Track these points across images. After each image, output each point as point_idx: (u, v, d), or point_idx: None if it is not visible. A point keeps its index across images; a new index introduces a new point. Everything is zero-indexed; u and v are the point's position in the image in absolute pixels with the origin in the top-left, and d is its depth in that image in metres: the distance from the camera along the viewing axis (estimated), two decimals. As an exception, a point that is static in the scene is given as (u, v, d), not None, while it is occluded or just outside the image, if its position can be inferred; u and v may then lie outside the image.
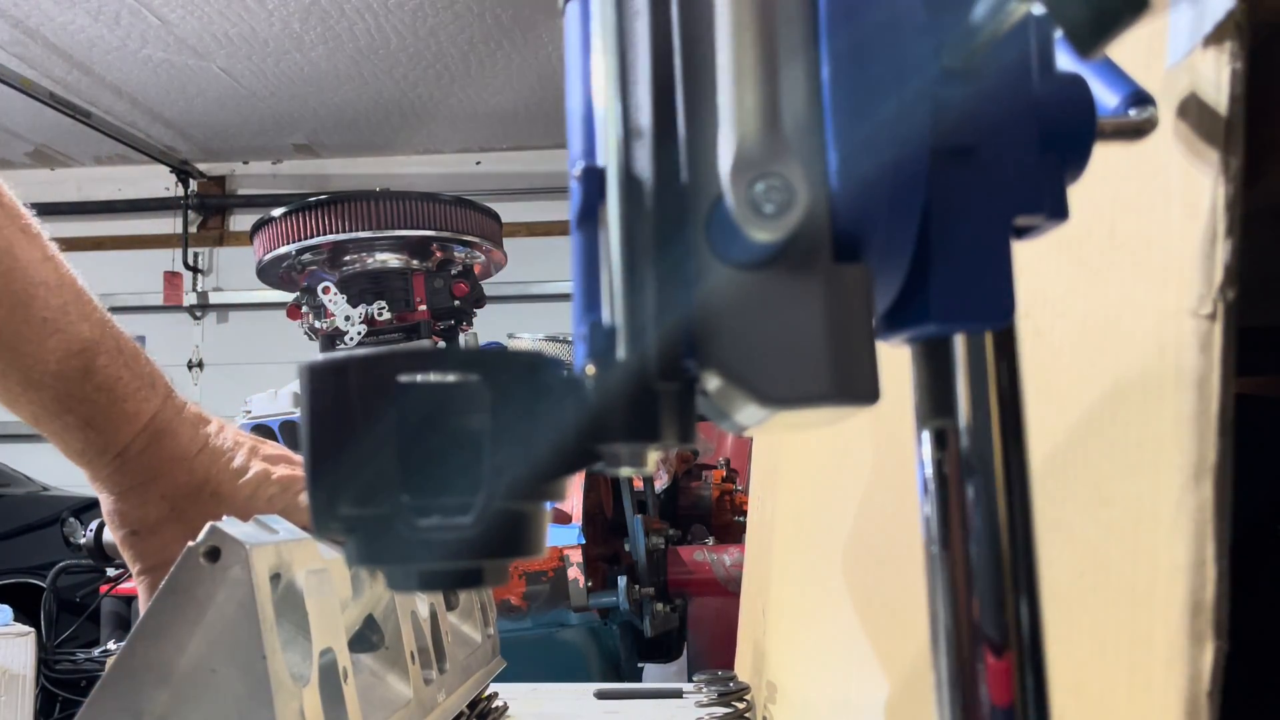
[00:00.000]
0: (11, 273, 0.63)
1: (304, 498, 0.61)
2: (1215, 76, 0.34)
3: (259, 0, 3.08)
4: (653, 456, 0.28)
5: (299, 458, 0.67)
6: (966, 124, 0.27)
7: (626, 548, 1.76)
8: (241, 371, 3.96)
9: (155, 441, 0.69)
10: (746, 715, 0.98)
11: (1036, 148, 0.27)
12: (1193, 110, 0.35)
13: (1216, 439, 0.33)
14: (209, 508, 0.68)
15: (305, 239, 1.97)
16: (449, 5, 3.12)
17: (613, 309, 0.27)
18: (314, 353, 1.99)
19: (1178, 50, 0.36)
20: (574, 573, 1.54)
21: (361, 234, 1.97)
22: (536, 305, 3.85)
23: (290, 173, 4.29)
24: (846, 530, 0.76)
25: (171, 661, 0.45)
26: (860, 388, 0.26)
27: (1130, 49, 0.30)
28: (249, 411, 1.96)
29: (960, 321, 0.28)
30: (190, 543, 0.46)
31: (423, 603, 0.76)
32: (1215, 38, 0.34)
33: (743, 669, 1.16)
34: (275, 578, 0.48)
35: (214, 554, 0.45)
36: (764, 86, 0.25)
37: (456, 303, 2.04)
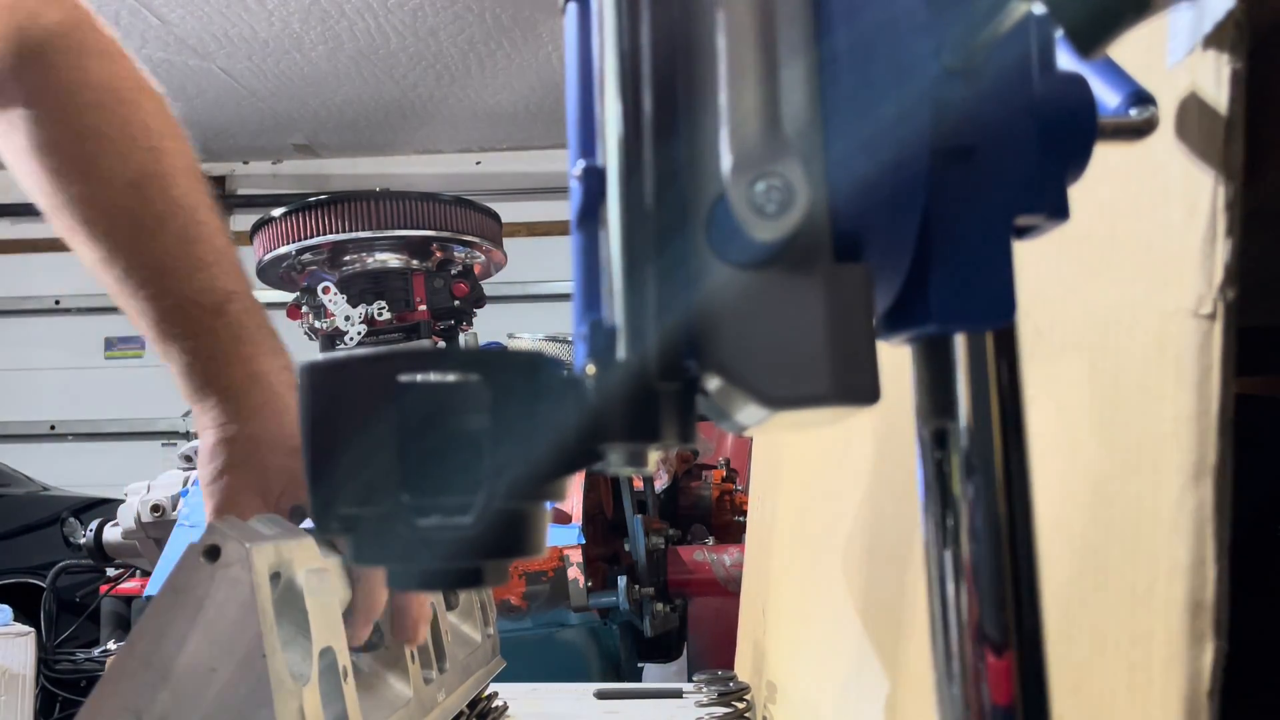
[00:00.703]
0: (192, 225, 0.74)
1: None
2: (1215, 76, 0.34)
3: (259, 0, 3.08)
4: (653, 456, 0.28)
5: None
6: (967, 124, 0.27)
7: (626, 548, 1.76)
8: (241, 371, 3.95)
9: (257, 387, 0.73)
10: (746, 715, 0.98)
11: (1037, 148, 0.27)
12: (1193, 110, 0.35)
13: (1216, 439, 0.33)
14: (290, 462, 0.71)
15: (305, 239, 1.97)
16: (449, 5, 3.11)
17: (613, 309, 0.27)
18: (314, 353, 1.99)
19: (1178, 50, 0.36)
20: (574, 573, 1.54)
21: (361, 234, 1.97)
22: (536, 305, 3.85)
23: (290, 173, 4.29)
24: (846, 530, 0.76)
25: (171, 660, 0.45)
26: (861, 388, 0.26)
27: (1130, 49, 0.30)
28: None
29: (961, 321, 0.28)
30: (191, 542, 0.46)
31: None
32: (1215, 38, 0.34)
33: (743, 669, 1.16)
34: (275, 576, 0.48)
35: (214, 553, 0.46)
36: (764, 86, 0.25)
37: (456, 303, 2.04)
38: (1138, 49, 0.37)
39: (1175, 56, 0.36)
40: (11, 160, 0.79)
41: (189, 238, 0.74)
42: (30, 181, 0.79)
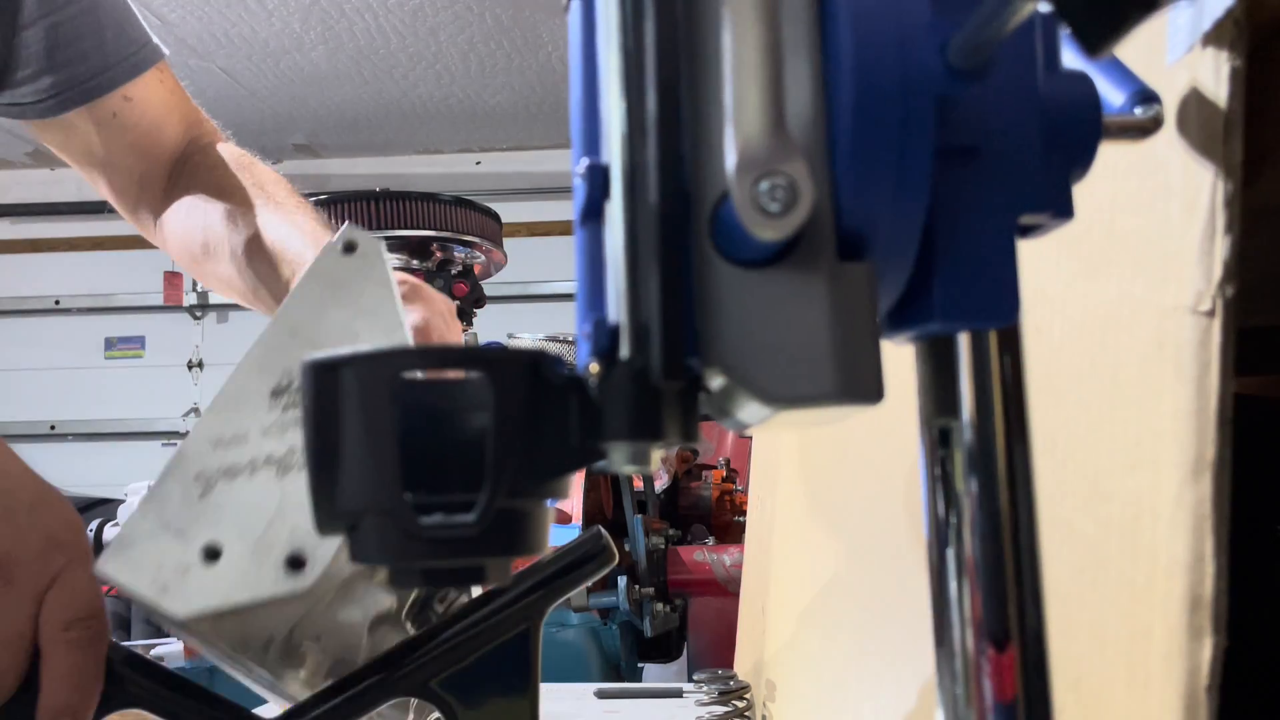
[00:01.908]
0: (285, 251, 0.82)
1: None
2: (1215, 74, 0.34)
3: (259, 0, 3.08)
4: (656, 455, 0.28)
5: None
6: (972, 123, 0.27)
7: (626, 548, 1.76)
8: (241, 371, 3.95)
9: None
10: (746, 714, 0.98)
11: (1042, 147, 0.27)
12: (1192, 108, 0.35)
13: (1215, 435, 0.34)
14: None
15: (305, 239, 1.96)
16: (449, 5, 3.11)
17: (616, 307, 0.27)
18: (314, 352, 1.98)
19: (1177, 48, 0.36)
20: (574, 572, 1.54)
21: (361, 234, 1.96)
22: (536, 305, 3.84)
23: (290, 173, 4.26)
24: (846, 529, 0.76)
25: (315, 329, 0.52)
26: (864, 387, 0.26)
27: (1130, 47, 0.30)
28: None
29: (965, 320, 0.28)
30: (328, 240, 0.55)
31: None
32: (1215, 35, 0.34)
33: (743, 668, 1.16)
34: None
35: (351, 246, 0.54)
36: (769, 85, 0.25)
37: (456, 303, 2.04)
38: (1138, 47, 0.37)
39: (1175, 54, 0.36)
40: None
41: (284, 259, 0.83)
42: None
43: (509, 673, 0.50)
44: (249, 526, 0.49)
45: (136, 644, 1.66)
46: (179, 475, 0.50)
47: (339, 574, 0.49)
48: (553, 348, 1.92)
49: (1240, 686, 0.34)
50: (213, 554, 0.49)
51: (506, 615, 0.51)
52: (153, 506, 0.50)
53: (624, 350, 0.26)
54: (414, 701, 0.56)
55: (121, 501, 1.78)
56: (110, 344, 4.09)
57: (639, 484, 1.80)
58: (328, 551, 0.49)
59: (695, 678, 1.08)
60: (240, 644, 0.49)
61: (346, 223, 0.56)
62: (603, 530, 0.53)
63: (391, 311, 0.53)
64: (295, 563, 0.49)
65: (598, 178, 0.28)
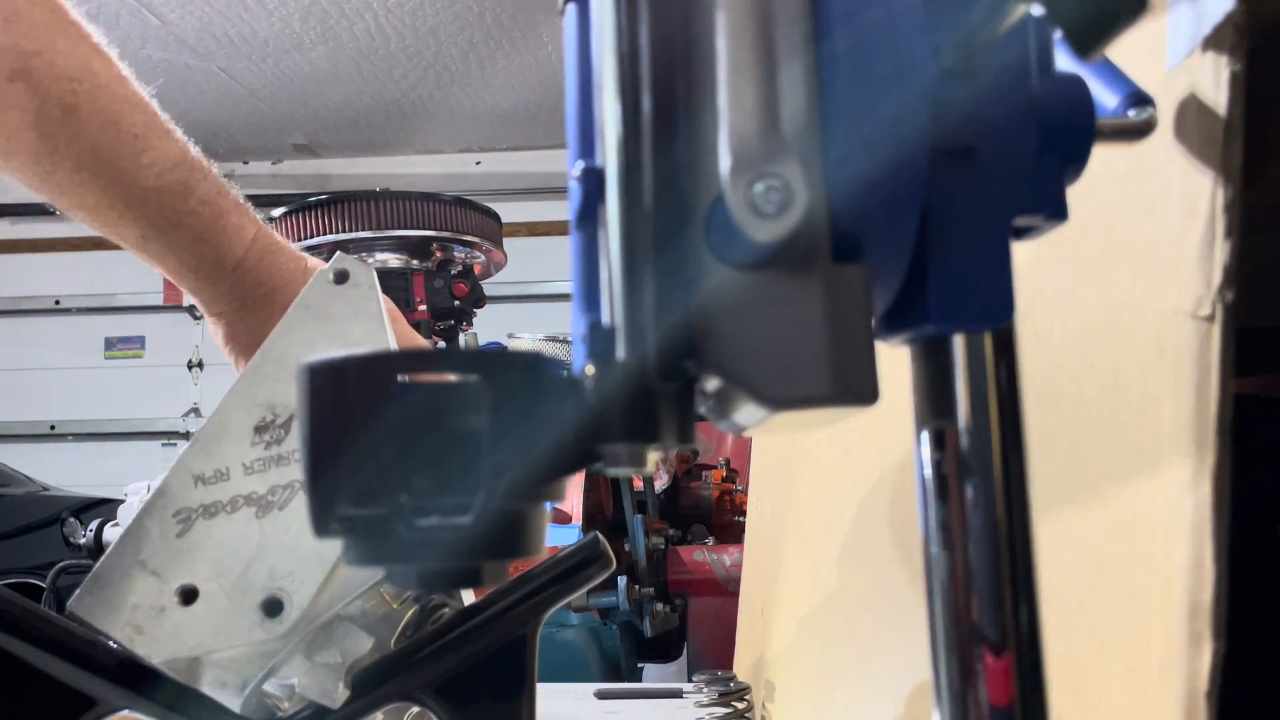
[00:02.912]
0: (96, 90, 0.63)
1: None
2: (1214, 78, 0.34)
3: (259, 0, 3.08)
4: (652, 457, 0.28)
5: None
6: (965, 124, 0.27)
7: (626, 548, 1.76)
8: (241, 371, 3.96)
9: (269, 255, 0.70)
10: (746, 715, 0.98)
11: (1036, 148, 0.27)
12: (1192, 112, 0.35)
13: (1215, 441, 0.33)
14: None
15: (305, 239, 1.97)
16: (449, 5, 3.11)
17: (612, 309, 0.27)
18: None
19: (1177, 52, 0.36)
20: (574, 573, 1.54)
21: (361, 234, 1.97)
22: (536, 305, 3.85)
23: (290, 173, 4.29)
24: (845, 530, 0.76)
25: (303, 359, 0.50)
26: (859, 388, 0.26)
27: (1129, 51, 0.30)
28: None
29: (959, 322, 0.28)
30: (321, 268, 0.53)
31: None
32: (1214, 39, 0.34)
33: (742, 668, 1.16)
34: None
35: (342, 276, 0.53)
36: (763, 87, 0.25)
37: (456, 303, 2.04)
38: (1137, 51, 0.37)
39: (1174, 58, 0.36)
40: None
41: (110, 119, 0.63)
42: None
43: (504, 678, 0.50)
44: (227, 568, 0.48)
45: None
46: (158, 512, 0.49)
47: (317, 616, 0.49)
48: (552, 348, 1.92)
49: (1240, 692, 0.34)
50: (189, 596, 0.48)
51: (503, 621, 0.51)
52: (129, 544, 0.49)
53: (620, 352, 0.26)
54: (413, 708, 0.56)
55: (121, 501, 1.79)
56: (110, 344, 4.09)
57: (639, 484, 1.80)
58: (306, 595, 0.48)
59: (695, 679, 1.08)
60: (216, 685, 0.49)
61: (338, 252, 0.55)
62: (600, 536, 0.53)
63: (383, 346, 0.53)
64: (272, 607, 0.48)
65: (593, 181, 0.28)
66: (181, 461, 0.50)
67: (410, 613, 0.54)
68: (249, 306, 0.70)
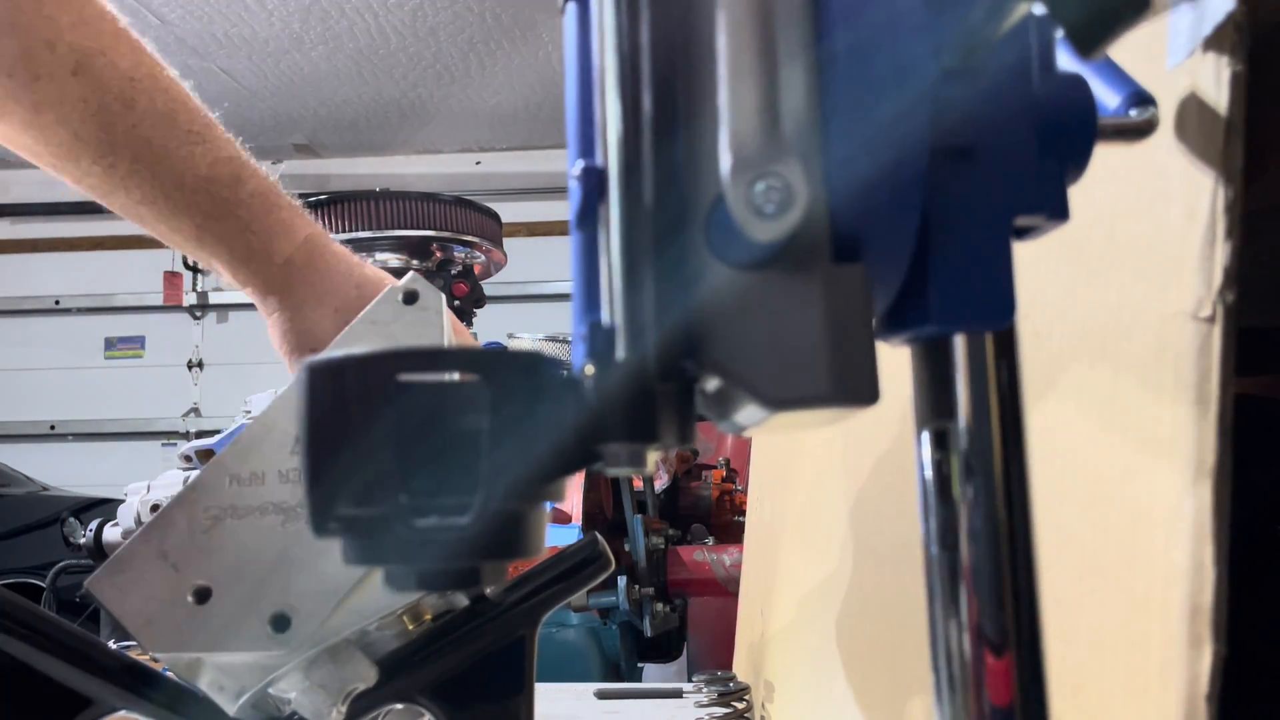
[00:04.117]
0: (153, 89, 0.67)
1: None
2: (1215, 79, 0.34)
3: (259, 0, 3.08)
4: (652, 456, 0.28)
5: None
6: (966, 124, 0.27)
7: (626, 548, 1.76)
8: (241, 371, 3.96)
9: (319, 255, 0.71)
10: (746, 715, 0.98)
11: (1036, 148, 0.27)
12: (1193, 112, 0.35)
13: (1215, 442, 0.33)
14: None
15: (305, 239, 1.96)
16: (449, 5, 3.11)
17: (612, 309, 0.27)
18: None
19: (1178, 52, 0.36)
20: (573, 573, 1.54)
21: (361, 234, 1.97)
22: (536, 305, 3.85)
23: (290, 173, 4.28)
24: (845, 530, 0.76)
25: None
26: (859, 388, 0.26)
27: (1130, 51, 0.30)
28: (249, 411, 1.96)
29: (960, 322, 0.28)
30: (393, 284, 0.53)
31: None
32: (1215, 40, 0.34)
33: (741, 669, 1.16)
34: None
35: (412, 297, 0.53)
36: (764, 86, 0.25)
37: (456, 303, 2.04)
38: (1137, 51, 0.37)
39: (1175, 58, 0.36)
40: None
41: (165, 115, 0.67)
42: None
43: (503, 679, 0.50)
44: (244, 573, 0.48)
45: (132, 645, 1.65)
46: (188, 505, 0.49)
47: (324, 638, 0.48)
48: (552, 348, 1.92)
49: (1240, 694, 0.34)
50: (203, 595, 0.48)
51: (501, 622, 0.51)
52: (155, 532, 0.49)
53: (620, 352, 0.26)
54: (413, 709, 0.56)
55: (121, 501, 1.78)
56: (110, 344, 4.09)
57: (639, 484, 1.80)
58: (315, 616, 0.48)
59: (695, 679, 1.08)
60: (214, 688, 0.48)
61: (411, 272, 0.54)
62: (599, 536, 0.53)
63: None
64: (280, 623, 0.48)
65: (593, 180, 0.27)
66: (220, 459, 0.50)
67: None
68: (300, 307, 0.71)
